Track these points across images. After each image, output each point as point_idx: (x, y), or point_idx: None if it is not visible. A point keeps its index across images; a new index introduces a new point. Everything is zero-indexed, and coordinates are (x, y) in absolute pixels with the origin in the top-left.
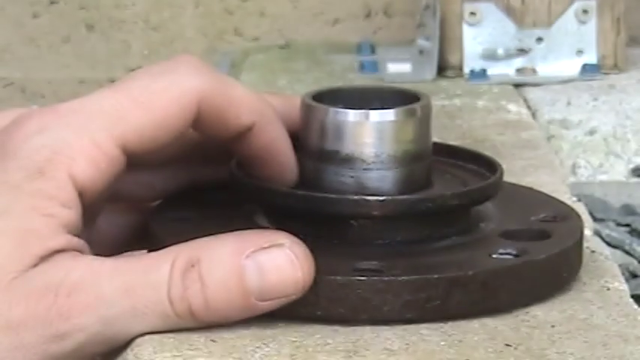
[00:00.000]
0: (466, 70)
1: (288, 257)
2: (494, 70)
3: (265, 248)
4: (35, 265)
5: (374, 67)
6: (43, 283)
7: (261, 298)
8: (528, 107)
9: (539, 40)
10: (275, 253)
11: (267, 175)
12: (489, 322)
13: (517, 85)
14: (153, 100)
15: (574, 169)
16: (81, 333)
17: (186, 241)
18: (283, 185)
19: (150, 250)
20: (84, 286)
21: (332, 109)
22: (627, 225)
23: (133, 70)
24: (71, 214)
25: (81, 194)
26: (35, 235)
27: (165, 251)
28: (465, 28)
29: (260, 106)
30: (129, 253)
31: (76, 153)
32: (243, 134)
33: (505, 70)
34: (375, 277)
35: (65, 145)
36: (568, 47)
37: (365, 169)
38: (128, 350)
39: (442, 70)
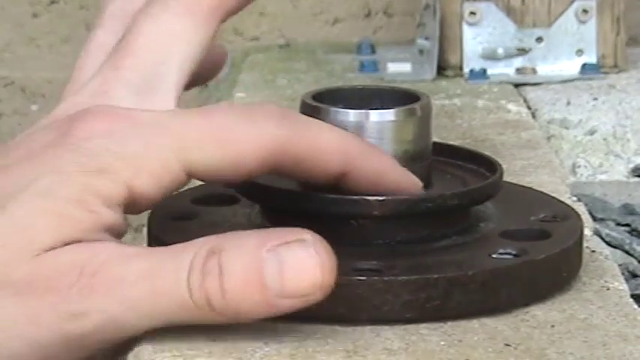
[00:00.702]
0: (466, 69)
1: (309, 254)
2: (494, 69)
3: (288, 243)
4: (62, 247)
5: (374, 66)
6: (69, 261)
7: (280, 294)
8: (528, 107)
9: (539, 39)
10: (297, 248)
11: None
12: (489, 322)
13: (517, 85)
14: (230, 141)
15: (574, 168)
16: (99, 314)
17: (187, 240)
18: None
19: None
20: (109, 267)
21: (332, 109)
22: (627, 225)
23: None
24: (116, 217)
25: (135, 204)
26: (72, 225)
27: (193, 241)
28: (465, 28)
29: (348, 147)
30: None
31: (142, 166)
32: (341, 178)
33: (505, 69)
34: (375, 277)
35: (132, 156)
36: (568, 47)
37: None
38: (128, 350)
39: (442, 69)
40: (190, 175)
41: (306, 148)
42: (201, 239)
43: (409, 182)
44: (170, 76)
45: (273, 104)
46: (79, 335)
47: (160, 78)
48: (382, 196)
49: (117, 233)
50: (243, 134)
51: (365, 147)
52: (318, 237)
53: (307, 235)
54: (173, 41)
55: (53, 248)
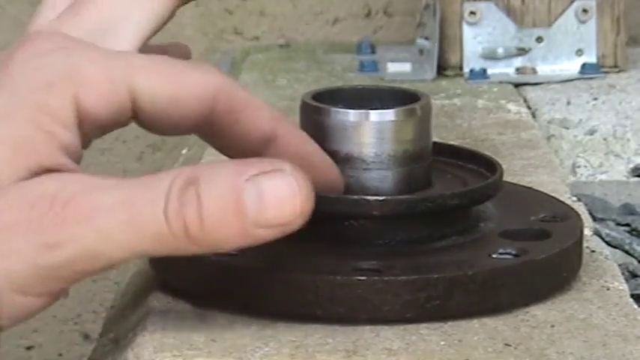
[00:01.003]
0: (466, 69)
1: (288, 182)
2: (494, 69)
3: (267, 172)
4: (29, 178)
5: (374, 66)
6: (38, 192)
7: (258, 223)
8: (528, 107)
9: (539, 39)
10: (276, 177)
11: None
12: (489, 322)
13: (517, 85)
14: (175, 75)
15: (574, 168)
16: (74, 244)
17: None
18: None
19: None
20: (82, 197)
21: (332, 109)
22: (627, 225)
23: None
24: (72, 137)
25: (84, 124)
26: (33, 150)
27: (167, 171)
28: (465, 28)
29: (278, 114)
30: None
31: (90, 82)
32: (268, 145)
33: (505, 69)
34: (375, 277)
35: (81, 71)
36: (568, 47)
37: (365, 169)
38: (128, 350)
39: (442, 69)
40: (134, 105)
41: (244, 99)
42: (175, 169)
43: (334, 171)
44: (126, 33)
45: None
46: (53, 266)
47: (116, 33)
48: (382, 195)
49: (76, 157)
50: (188, 72)
51: (290, 121)
52: (295, 167)
53: (285, 164)
54: (134, 2)
55: (20, 178)
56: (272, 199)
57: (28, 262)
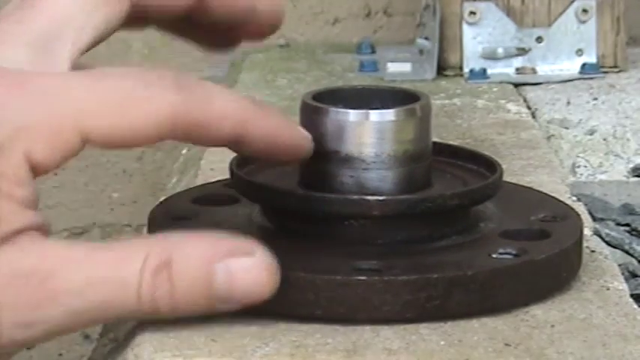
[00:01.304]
0: (466, 69)
1: (257, 267)
2: (494, 69)
3: (237, 256)
4: None
5: (374, 66)
6: (11, 269)
7: (225, 302)
8: (528, 107)
9: (539, 39)
10: (246, 261)
11: (280, 161)
12: (489, 322)
13: (517, 85)
14: (127, 107)
15: (574, 168)
16: (45, 325)
17: None
18: (298, 162)
19: None
20: (55, 276)
21: (332, 109)
22: (627, 225)
23: None
24: (29, 190)
25: (33, 172)
26: None
27: (137, 244)
28: (465, 28)
29: (243, 113)
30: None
31: (38, 135)
32: (237, 143)
33: (505, 69)
34: (375, 277)
35: (28, 125)
36: (568, 47)
37: (365, 169)
38: (128, 350)
39: (442, 69)
40: (88, 142)
41: (201, 115)
42: (145, 241)
43: (300, 138)
44: (70, 39)
45: (167, 70)
46: (23, 341)
47: (60, 39)
48: (382, 195)
49: (34, 204)
50: (140, 101)
51: (258, 110)
52: (264, 250)
53: (255, 248)
54: (80, 9)
55: None
56: (241, 282)
57: (5, 337)
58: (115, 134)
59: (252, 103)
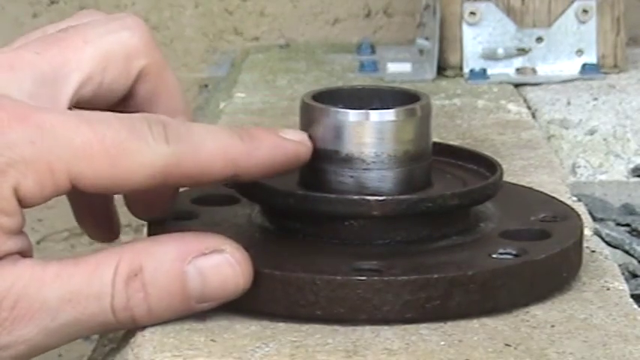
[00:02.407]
0: (466, 69)
1: (228, 263)
2: (494, 69)
3: (206, 254)
4: None
5: (374, 66)
6: None
7: (201, 301)
8: (528, 107)
9: (539, 39)
10: (216, 259)
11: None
12: (489, 322)
13: (517, 85)
14: (119, 158)
15: (574, 168)
16: (22, 345)
17: None
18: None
19: None
20: (27, 296)
21: (332, 109)
22: (627, 225)
23: None
24: (16, 220)
25: (21, 205)
26: None
27: (107, 255)
28: (465, 28)
29: (232, 153)
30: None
31: (29, 172)
32: (232, 178)
33: (505, 69)
34: (375, 277)
35: (21, 160)
36: (568, 47)
37: (365, 169)
38: (128, 350)
39: (442, 69)
40: (76, 187)
41: (191, 165)
42: (115, 250)
43: (294, 151)
44: (77, 82)
45: (156, 117)
46: None
47: (68, 79)
48: (382, 195)
49: (18, 231)
50: (132, 154)
51: (247, 144)
52: (234, 244)
53: (224, 244)
54: (96, 62)
55: None
56: (214, 279)
57: None
58: (103, 182)
59: (240, 138)
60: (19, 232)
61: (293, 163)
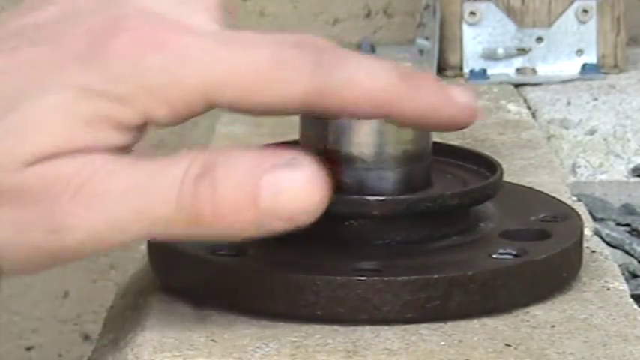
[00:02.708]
0: (466, 69)
1: (305, 177)
2: (494, 69)
3: (285, 166)
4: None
5: None
6: (56, 173)
7: (272, 215)
8: (528, 107)
9: (539, 39)
10: (294, 171)
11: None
12: (489, 322)
13: (517, 85)
14: (257, 89)
15: (574, 168)
16: (81, 231)
17: None
18: None
19: None
20: (95, 181)
21: None
22: (627, 225)
23: None
24: (123, 139)
25: (145, 128)
26: (73, 141)
27: (181, 155)
28: (465, 28)
29: (388, 96)
30: None
31: (164, 100)
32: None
33: (505, 69)
34: (375, 277)
35: (156, 89)
36: (568, 47)
37: (365, 169)
38: (128, 350)
39: (442, 69)
40: (212, 107)
41: (336, 102)
42: (192, 152)
43: (457, 112)
44: None
45: (310, 40)
46: (59, 248)
47: None
48: (382, 195)
49: (121, 152)
50: (271, 82)
51: (407, 88)
52: (314, 161)
53: (304, 158)
54: None
55: (46, 159)
56: (288, 192)
57: (37, 243)
58: (241, 107)
59: (400, 79)
60: (120, 152)
61: (450, 127)
